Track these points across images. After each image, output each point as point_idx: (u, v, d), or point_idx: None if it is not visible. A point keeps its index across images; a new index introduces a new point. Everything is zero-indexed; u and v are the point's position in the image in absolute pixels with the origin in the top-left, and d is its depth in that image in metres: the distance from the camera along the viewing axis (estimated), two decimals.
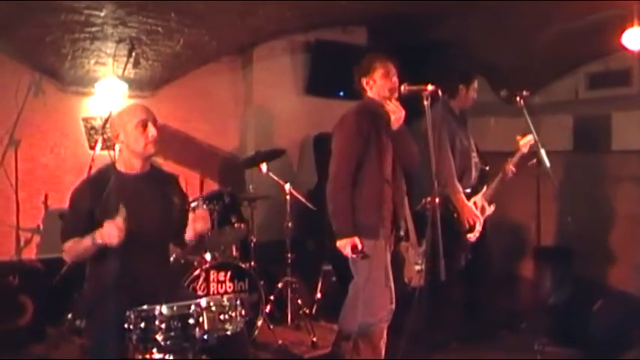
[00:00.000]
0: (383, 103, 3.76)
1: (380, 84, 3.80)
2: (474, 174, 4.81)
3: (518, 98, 4.51)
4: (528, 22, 5.55)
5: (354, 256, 3.68)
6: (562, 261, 5.60)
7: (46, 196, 5.28)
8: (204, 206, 3.39)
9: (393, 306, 3.81)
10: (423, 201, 4.39)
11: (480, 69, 6.62)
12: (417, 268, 4.71)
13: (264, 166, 5.17)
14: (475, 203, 4.75)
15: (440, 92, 3.50)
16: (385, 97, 3.76)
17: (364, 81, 3.84)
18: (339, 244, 3.69)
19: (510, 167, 4.83)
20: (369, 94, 3.86)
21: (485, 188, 4.87)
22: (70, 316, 4.59)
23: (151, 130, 3.11)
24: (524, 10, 5.34)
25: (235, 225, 4.84)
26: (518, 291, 5.92)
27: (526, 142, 4.74)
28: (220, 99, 6.29)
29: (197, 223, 3.26)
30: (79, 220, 3.05)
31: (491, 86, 6.54)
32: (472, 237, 4.67)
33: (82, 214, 3.05)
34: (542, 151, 4.44)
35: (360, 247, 3.66)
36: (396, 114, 3.69)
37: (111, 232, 2.87)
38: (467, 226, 4.66)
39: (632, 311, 4.42)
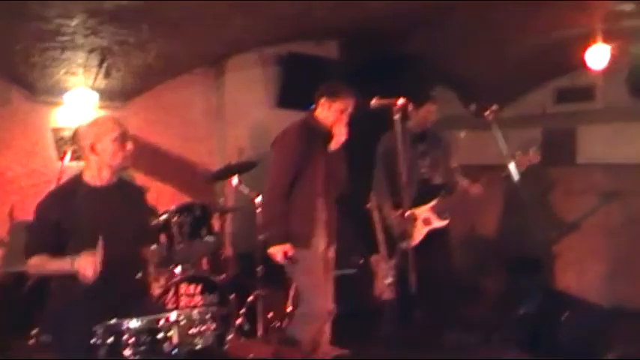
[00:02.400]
0: (327, 124, 3.92)
1: (332, 114, 3.92)
2: (414, 188, 4.80)
3: (487, 112, 4.47)
4: (498, 37, 5.61)
5: (285, 262, 3.84)
6: (531, 272, 5.66)
7: (13, 207, 5.16)
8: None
9: (332, 307, 4.00)
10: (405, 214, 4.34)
11: (450, 82, 6.85)
12: (388, 281, 4.74)
13: (235, 179, 5.16)
14: (413, 214, 4.77)
15: (410, 107, 3.65)
16: (330, 123, 3.92)
17: (323, 100, 3.95)
18: (272, 250, 3.87)
19: (469, 188, 4.81)
20: (318, 112, 3.98)
21: (434, 201, 4.89)
22: (35, 330, 4.43)
23: (129, 144, 3.15)
24: (493, 25, 5.40)
25: (206, 238, 4.83)
26: (488, 302, 5.94)
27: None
28: (192, 111, 6.26)
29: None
30: (44, 234, 3.02)
31: (461, 100, 6.63)
32: (407, 244, 4.57)
33: (47, 228, 3.02)
34: (511, 165, 4.46)
35: (291, 253, 3.82)
36: (339, 138, 3.87)
37: (87, 266, 2.86)
38: (397, 232, 4.75)
39: (599, 321, 4.53)
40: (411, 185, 4.73)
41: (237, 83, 6.30)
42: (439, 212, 4.90)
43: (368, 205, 4.96)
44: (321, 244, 3.99)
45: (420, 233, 4.81)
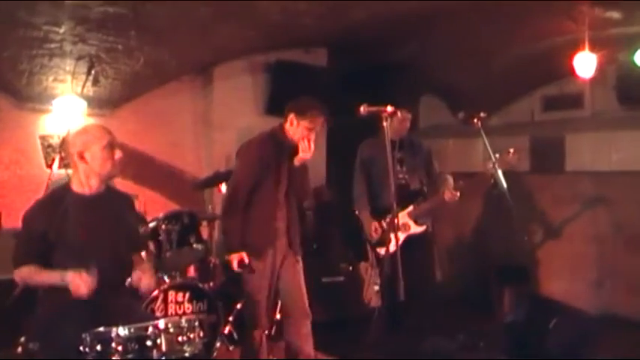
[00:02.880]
0: (294, 139, 3.92)
1: (300, 131, 3.90)
2: (391, 193, 4.76)
3: (475, 120, 4.58)
4: (485, 46, 5.65)
5: (240, 270, 3.89)
6: (519, 280, 5.67)
7: (0, 215, 5.15)
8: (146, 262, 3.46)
9: (308, 312, 4.03)
10: (383, 221, 4.54)
11: (438, 91, 6.93)
12: (376, 288, 4.77)
13: (223, 187, 5.14)
14: (390, 220, 4.71)
15: (398, 114, 3.63)
16: (297, 139, 3.90)
17: (291, 116, 3.93)
18: (228, 257, 3.92)
19: (448, 193, 4.75)
20: (287, 126, 3.96)
21: (411, 207, 4.88)
22: (23, 339, 4.34)
23: (118, 152, 3.14)
24: (480, 34, 5.43)
25: (194, 245, 4.83)
26: (476, 310, 5.93)
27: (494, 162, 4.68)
28: (180, 118, 6.27)
29: (142, 282, 3.25)
30: (32, 243, 3.03)
31: (449, 108, 6.70)
32: (384, 250, 4.57)
33: (34, 238, 3.03)
34: (499, 172, 4.51)
35: (246, 261, 3.87)
36: (305, 154, 3.87)
37: (80, 285, 2.88)
38: (372, 238, 4.81)
39: (586, 328, 4.54)
40: (387, 190, 4.75)
41: (226, 91, 6.31)
42: (416, 218, 4.90)
43: (356, 211, 4.98)
44: (279, 255, 4.01)
45: (395, 238, 4.77)
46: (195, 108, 6.35)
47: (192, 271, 5.19)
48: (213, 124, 6.32)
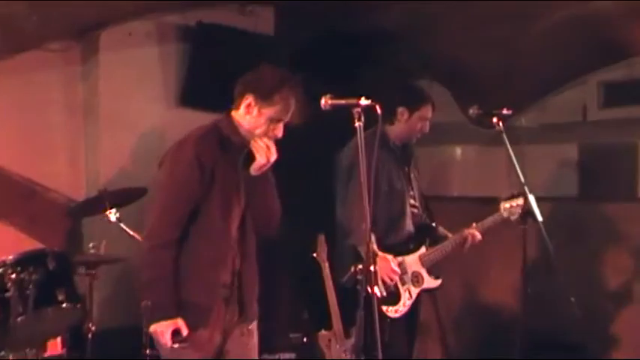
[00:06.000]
0: (249, 135, 3.95)
1: (263, 120, 3.92)
2: (408, 226, 5.13)
3: (495, 119, 4.71)
4: (513, 7, 5.63)
5: (175, 345, 3.78)
6: None
7: None
8: None
9: None
10: (352, 269, 4.27)
11: (440, 75, 7.02)
12: None
13: (112, 214, 5.22)
14: (402, 264, 5.00)
15: (379, 110, 3.64)
16: (255, 135, 3.94)
17: (250, 100, 3.92)
18: (155, 328, 3.80)
19: (473, 233, 5.10)
20: (239, 115, 3.97)
21: (424, 249, 5.09)
22: None
23: None
24: None
25: (64, 305, 4.79)
26: None
27: (512, 205, 5.01)
28: (46, 108, 6.15)
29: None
30: None
31: (457, 101, 6.75)
32: (394, 311, 4.90)
33: None
34: (532, 200, 4.65)
35: (184, 333, 3.79)
36: (262, 156, 3.89)
37: None
38: (382, 291, 4.85)
39: None
40: (402, 220, 5.07)
41: (118, 68, 6.23)
42: (428, 266, 5.07)
43: (314, 254, 5.07)
44: (228, 320, 4.00)
45: (409, 295, 4.94)
46: (70, 92, 6.27)
47: (58, 346, 5.15)
48: (98, 118, 6.25)
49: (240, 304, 4.01)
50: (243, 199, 4.01)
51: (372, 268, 3.62)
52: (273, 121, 3.89)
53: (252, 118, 3.90)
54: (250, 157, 3.94)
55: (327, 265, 5.07)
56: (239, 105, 3.95)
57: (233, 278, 3.98)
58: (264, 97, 3.87)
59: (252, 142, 3.90)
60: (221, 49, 6.22)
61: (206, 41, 6.30)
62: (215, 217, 3.90)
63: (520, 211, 4.91)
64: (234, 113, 3.98)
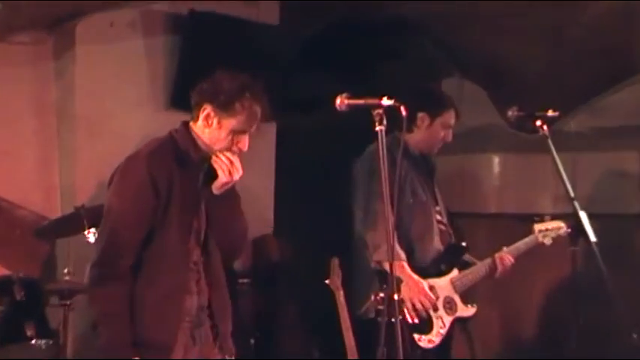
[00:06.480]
0: (210, 148, 3.92)
1: (224, 134, 3.86)
2: (436, 244, 5.09)
3: (538, 122, 4.68)
4: None
5: None
6: None
7: None
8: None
9: None
10: (372, 297, 4.21)
11: (474, 71, 7.12)
12: None
13: (92, 234, 5.09)
14: (433, 288, 4.95)
15: (404, 111, 3.61)
16: (217, 148, 3.91)
17: (208, 110, 3.84)
18: None
19: (505, 257, 5.08)
20: (198, 128, 3.90)
21: (456, 272, 5.05)
22: None
23: None
24: None
25: (33, 341, 4.87)
26: None
27: (548, 228, 5.04)
28: (13, 110, 6.09)
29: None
30: None
31: (493, 102, 6.78)
32: (427, 341, 4.81)
33: None
34: (584, 217, 4.56)
35: None
36: (225, 174, 3.84)
37: None
38: (413, 315, 4.84)
39: None
40: (429, 237, 5.11)
41: (97, 64, 6.19)
42: (461, 291, 5.05)
43: (327, 280, 5.01)
44: (208, 349, 3.97)
45: (442, 323, 4.92)
46: (41, 91, 6.24)
47: None
48: (74, 123, 6.22)
49: (210, 332, 3.97)
50: (204, 219, 3.95)
51: (395, 296, 3.56)
52: (236, 133, 3.80)
53: (212, 130, 3.83)
54: (212, 173, 3.88)
55: (341, 293, 4.98)
56: (197, 117, 3.87)
57: (201, 304, 3.93)
58: (223, 106, 3.79)
59: (214, 157, 3.84)
60: (217, 41, 6.16)
61: (199, 32, 6.25)
62: (172, 241, 3.83)
63: (555, 235, 4.97)
64: (192, 125, 3.90)
